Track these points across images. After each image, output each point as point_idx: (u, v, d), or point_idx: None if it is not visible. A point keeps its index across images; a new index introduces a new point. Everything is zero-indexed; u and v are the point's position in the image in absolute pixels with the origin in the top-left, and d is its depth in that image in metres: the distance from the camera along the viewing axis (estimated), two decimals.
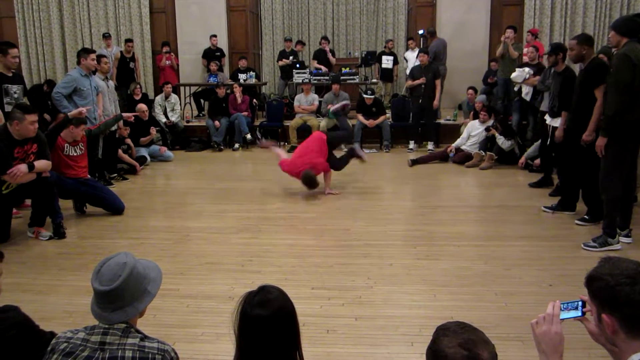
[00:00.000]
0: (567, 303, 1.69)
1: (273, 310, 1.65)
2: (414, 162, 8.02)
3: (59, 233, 4.96)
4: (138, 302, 1.77)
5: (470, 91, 9.59)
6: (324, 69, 10.93)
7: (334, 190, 6.30)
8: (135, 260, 1.80)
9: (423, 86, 8.93)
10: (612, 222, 4.41)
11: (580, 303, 1.68)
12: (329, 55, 11.26)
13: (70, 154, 5.52)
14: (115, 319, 1.73)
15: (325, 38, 11.70)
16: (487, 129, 7.90)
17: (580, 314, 1.67)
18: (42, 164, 4.79)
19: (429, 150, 8.92)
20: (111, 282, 1.71)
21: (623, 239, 4.53)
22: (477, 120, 8.24)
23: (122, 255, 1.80)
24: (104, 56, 7.04)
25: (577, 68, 5.54)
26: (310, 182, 5.98)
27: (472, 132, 8.20)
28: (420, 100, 9.00)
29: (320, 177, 6.20)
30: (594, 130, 4.71)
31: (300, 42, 11.92)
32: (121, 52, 10.78)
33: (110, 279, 1.72)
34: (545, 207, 5.56)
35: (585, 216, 5.08)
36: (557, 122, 5.72)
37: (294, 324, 1.71)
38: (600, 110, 4.61)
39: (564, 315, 1.66)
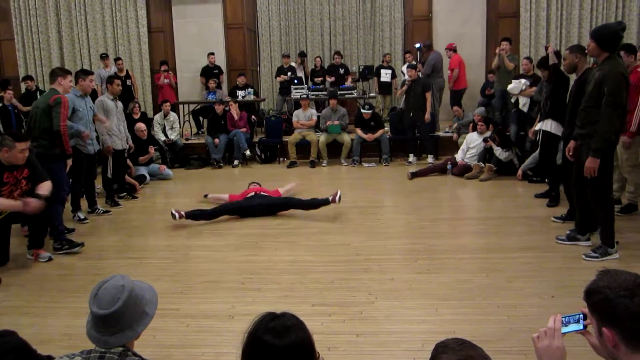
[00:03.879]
0: (569, 316, 1.67)
1: (286, 343, 1.48)
2: (414, 175, 8.02)
3: (74, 245, 5.11)
4: (137, 325, 1.76)
5: (456, 107, 9.81)
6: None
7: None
8: (132, 282, 1.79)
9: (412, 99, 8.97)
10: (610, 233, 4.40)
11: (581, 316, 1.66)
12: (341, 71, 11.52)
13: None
14: (115, 343, 1.71)
15: (338, 53, 11.82)
16: (485, 140, 7.92)
17: (581, 327, 1.66)
18: (46, 187, 4.73)
19: (429, 163, 8.91)
20: (110, 306, 1.70)
21: (583, 243, 4.68)
22: (475, 132, 8.26)
23: (119, 277, 1.78)
24: (118, 78, 7.03)
25: None
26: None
27: (471, 144, 8.21)
28: (411, 114, 9.02)
29: None
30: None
31: (302, 54, 12.01)
32: (115, 72, 10.85)
33: (109, 302, 1.70)
34: (555, 217, 5.54)
35: (563, 214, 5.34)
36: (546, 126, 5.87)
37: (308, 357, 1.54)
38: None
39: (565, 329, 1.65)
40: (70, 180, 5.85)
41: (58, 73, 5.61)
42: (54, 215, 5.11)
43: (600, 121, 4.16)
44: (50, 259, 4.87)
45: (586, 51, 4.59)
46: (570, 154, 4.74)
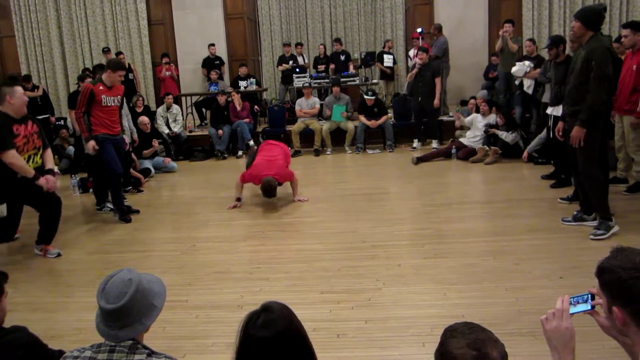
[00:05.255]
0: (576, 297, 1.66)
1: (277, 332, 1.53)
2: (419, 160, 8.00)
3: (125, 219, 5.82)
4: (146, 318, 1.75)
5: (472, 101, 9.24)
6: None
7: (303, 197, 6.22)
8: (139, 276, 1.78)
9: (420, 84, 8.90)
10: (606, 206, 4.48)
11: (589, 296, 1.65)
12: (342, 58, 11.43)
13: (109, 104, 5.72)
14: (124, 337, 1.70)
15: (337, 40, 11.75)
16: (486, 131, 7.88)
17: (589, 307, 1.65)
18: (50, 158, 4.97)
19: (433, 148, 8.88)
20: (118, 300, 1.69)
21: (589, 223, 4.65)
22: (479, 115, 8.21)
23: (126, 271, 1.78)
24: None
25: None
26: (270, 189, 5.79)
27: (475, 124, 8.15)
28: (420, 99, 8.97)
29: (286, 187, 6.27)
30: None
31: (298, 44, 11.96)
32: None
33: (116, 296, 1.70)
34: (561, 198, 5.53)
35: (568, 195, 5.41)
36: (557, 111, 5.78)
37: (303, 345, 1.60)
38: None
39: (574, 309, 1.64)
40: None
41: (104, 67, 5.98)
42: (113, 192, 5.99)
43: (590, 93, 4.26)
44: (59, 255, 4.89)
45: (571, 32, 4.60)
46: (560, 134, 4.86)
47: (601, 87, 4.23)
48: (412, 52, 11.07)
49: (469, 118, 8.33)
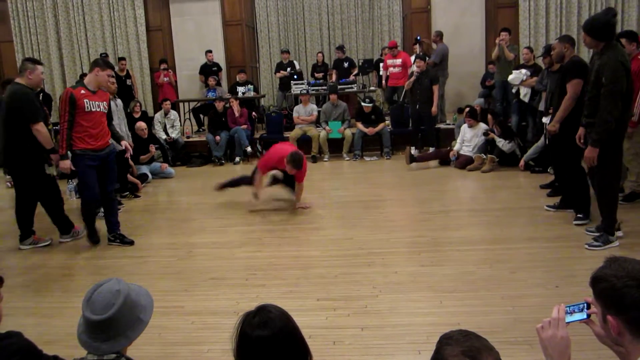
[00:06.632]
0: (572, 306, 1.67)
1: (274, 331, 1.54)
2: (413, 159, 8.04)
3: (125, 241, 5.24)
4: (131, 331, 1.71)
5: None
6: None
7: (305, 204, 6.20)
8: (128, 286, 1.75)
9: (418, 91, 8.91)
10: (612, 221, 4.42)
11: (585, 305, 1.66)
12: (345, 65, 11.38)
13: (93, 109, 4.88)
14: (106, 350, 1.67)
15: (340, 48, 11.74)
16: (486, 134, 7.89)
17: (585, 316, 1.65)
18: None
19: None
20: (105, 311, 1.65)
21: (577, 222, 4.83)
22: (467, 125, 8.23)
23: (114, 281, 1.74)
24: (112, 76, 6.98)
25: None
26: (299, 157, 5.80)
27: (465, 135, 8.17)
28: (417, 106, 8.98)
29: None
30: (558, 121, 4.95)
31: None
32: (115, 72, 10.80)
33: (103, 307, 1.66)
34: (548, 205, 5.55)
35: (556, 203, 5.48)
36: None
37: (298, 344, 1.60)
38: (570, 103, 4.79)
39: (569, 318, 1.64)
40: None
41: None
42: (84, 215, 5.18)
43: (600, 111, 4.12)
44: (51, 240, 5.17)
45: (584, 45, 4.54)
46: (582, 141, 4.67)
47: (612, 104, 4.04)
48: (412, 59, 10.99)
49: (461, 131, 8.34)
